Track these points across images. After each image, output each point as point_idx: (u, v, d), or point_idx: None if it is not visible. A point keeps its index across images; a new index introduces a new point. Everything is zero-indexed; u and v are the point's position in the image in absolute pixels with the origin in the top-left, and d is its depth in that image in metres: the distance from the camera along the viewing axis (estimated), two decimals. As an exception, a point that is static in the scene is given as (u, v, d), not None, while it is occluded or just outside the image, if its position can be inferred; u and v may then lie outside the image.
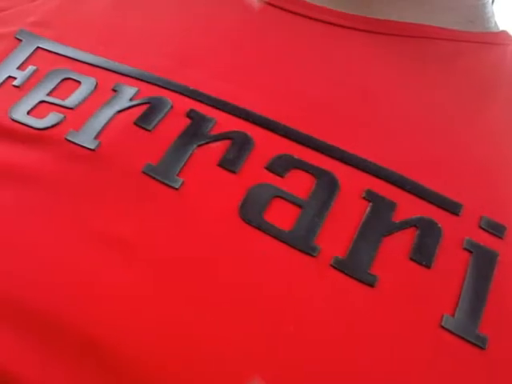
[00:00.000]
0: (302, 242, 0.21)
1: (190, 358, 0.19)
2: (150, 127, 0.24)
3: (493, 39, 0.30)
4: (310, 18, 0.29)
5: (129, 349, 0.19)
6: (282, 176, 0.23)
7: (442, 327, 0.20)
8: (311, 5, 0.29)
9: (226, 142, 0.23)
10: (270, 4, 0.30)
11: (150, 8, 0.30)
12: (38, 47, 0.28)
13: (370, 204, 0.22)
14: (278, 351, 0.19)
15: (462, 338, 0.19)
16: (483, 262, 0.21)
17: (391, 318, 0.19)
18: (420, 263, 0.21)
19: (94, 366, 0.19)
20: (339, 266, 0.20)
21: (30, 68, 0.26)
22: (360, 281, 0.20)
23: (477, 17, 0.30)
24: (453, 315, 0.20)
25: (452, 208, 0.23)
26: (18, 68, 0.27)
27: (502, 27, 0.31)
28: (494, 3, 0.32)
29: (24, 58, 0.27)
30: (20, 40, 0.28)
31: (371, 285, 0.20)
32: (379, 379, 0.19)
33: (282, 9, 0.29)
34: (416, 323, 0.20)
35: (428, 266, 0.21)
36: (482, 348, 0.19)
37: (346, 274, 0.20)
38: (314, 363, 0.19)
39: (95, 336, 0.19)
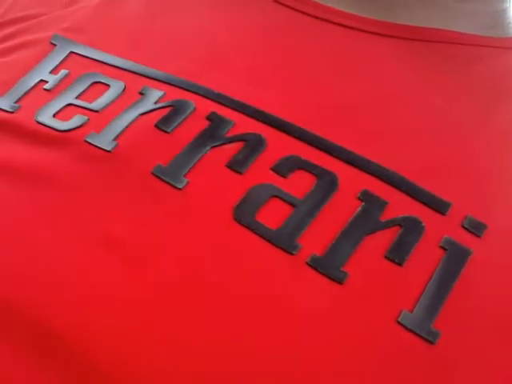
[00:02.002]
0: (284, 240, 0.21)
1: (175, 358, 0.19)
2: (169, 129, 0.24)
3: None
4: (327, 21, 0.29)
5: (117, 349, 0.19)
6: (285, 176, 0.23)
7: (398, 323, 0.20)
8: (328, 8, 0.30)
9: (240, 144, 0.24)
10: (286, 6, 0.30)
11: (178, 12, 0.31)
12: (71, 52, 0.28)
13: (362, 204, 0.22)
14: (250, 352, 0.19)
15: (414, 333, 0.19)
16: (454, 260, 0.21)
17: (353, 314, 0.20)
18: (393, 261, 0.21)
19: (81, 370, 0.19)
20: (314, 263, 0.21)
21: (62, 72, 0.27)
22: (330, 278, 0.20)
23: (497, 22, 0.30)
24: (411, 311, 0.20)
25: (439, 207, 0.23)
26: (51, 72, 0.27)
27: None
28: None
29: (57, 63, 0.28)
30: (54, 45, 0.29)
31: (340, 282, 0.20)
32: (337, 378, 0.19)
33: (298, 11, 0.30)
34: (375, 320, 0.20)
35: (400, 264, 0.21)
36: (431, 343, 0.19)
37: (319, 272, 0.20)
38: (279, 363, 0.19)
39: (79, 338, 0.19)
